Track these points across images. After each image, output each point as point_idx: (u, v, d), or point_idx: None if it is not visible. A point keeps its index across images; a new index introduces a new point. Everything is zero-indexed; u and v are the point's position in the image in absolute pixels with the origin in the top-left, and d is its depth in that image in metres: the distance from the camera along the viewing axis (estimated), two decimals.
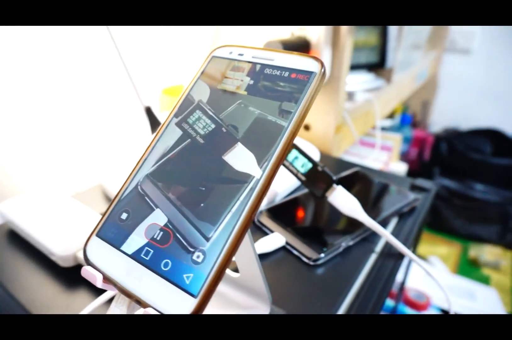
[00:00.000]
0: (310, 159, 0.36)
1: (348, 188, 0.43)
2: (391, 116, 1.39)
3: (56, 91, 0.44)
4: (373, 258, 0.34)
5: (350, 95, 0.66)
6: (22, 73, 0.41)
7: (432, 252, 1.14)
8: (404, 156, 1.26)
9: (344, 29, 0.46)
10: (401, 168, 0.88)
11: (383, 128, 1.13)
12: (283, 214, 0.38)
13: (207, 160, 0.20)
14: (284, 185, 0.42)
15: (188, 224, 0.18)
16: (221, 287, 0.27)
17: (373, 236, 0.37)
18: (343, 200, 0.35)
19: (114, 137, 0.53)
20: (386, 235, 0.34)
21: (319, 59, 0.20)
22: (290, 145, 0.19)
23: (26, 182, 0.44)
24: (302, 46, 0.47)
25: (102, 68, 0.48)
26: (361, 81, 0.72)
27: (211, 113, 0.21)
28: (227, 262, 0.17)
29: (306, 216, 0.39)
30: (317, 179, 0.36)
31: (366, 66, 0.75)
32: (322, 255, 0.32)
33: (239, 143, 0.20)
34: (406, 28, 0.84)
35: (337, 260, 0.33)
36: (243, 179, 0.18)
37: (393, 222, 0.40)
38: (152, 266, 0.18)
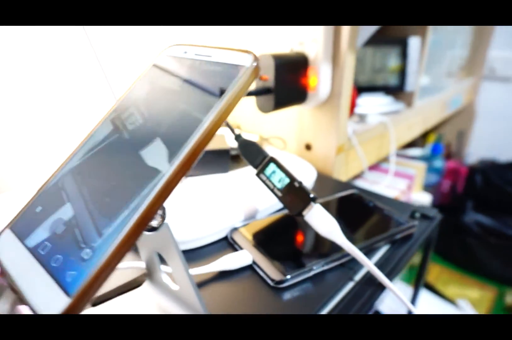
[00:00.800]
0: (287, 174, 0.35)
1: (338, 209, 0.41)
2: (422, 145, 1.34)
3: (41, 91, 0.46)
4: (349, 286, 0.32)
5: (362, 117, 0.65)
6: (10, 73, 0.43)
7: (462, 295, 1.05)
8: (434, 189, 1.20)
9: (344, 45, 0.46)
10: (423, 198, 0.84)
11: (413, 157, 1.09)
12: (259, 232, 0.37)
13: (126, 156, 0.19)
14: (268, 202, 0.40)
15: (90, 219, 0.17)
16: (163, 299, 0.26)
17: (353, 263, 0.34)
18: (320, 220, 0.33)
19: None
20: (364, 261, 0.32)
21: (252, 53, 0.20)
22: (207, 141, 0.18)
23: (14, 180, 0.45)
24: (300, 62, 0.46)
25: (89, 68, 0.50)
26: (377, 103, 0.71)
27: (142, 109, 0.21)
28: (111, 261, 0.16)
29: (283, 236, 0.37)
30: (294, 195, 0.34)
31: (383, 89, 0.74)
32: (288, 277, 0.30)
33: (157, 138, 0.19)
34: (431, 52, 0.82)
35: (307, 285, 0.31)
36: (152, 174, 0.18)
37: (384, 249, 0.37)
38: (44, 261, 0.17)
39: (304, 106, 0.51)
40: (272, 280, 0.30)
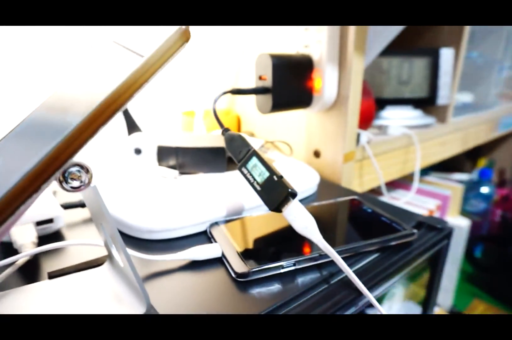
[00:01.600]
0: (268, 167, 0.34)
1: (333, 212, 0.39)
2: (471, 171, 1.26)
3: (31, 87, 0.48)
4: (320, 288, 0.30)
5: (382, 128, 0.63)
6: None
7: None
8: (483, 217, 1.11)
9: (351, 47, 0.45)
10: (459, 223, 0.77)
11: (460, 181, 1.03)
12: (238, 228, 0.36)
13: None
14: (255, 201, 0.39)
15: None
16: (116, 280, 0.26)
17: (333, 265, 0.32)
18: (297, 216, 0.32)
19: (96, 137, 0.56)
20: (339, 261, 0.30)
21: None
22: (121, 101, 0.19)
23: None
24: (303, 63, 0.46)
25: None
26: (402, 116, 0.68)
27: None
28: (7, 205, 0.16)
29: (262, 233, 0.36)
30: (273, 189, 0.33)
31: (411, 102, 0.71)
32: (252, 270, 0.29)
33: (78, 94, 0.20)
34: (474, 69, 0.79)
35: (274, 282, 0.29)
36: (63, 127, 0.18)
37: (375, 255, 0.34)
38: None
39: (310, 110, 0.50)
40: (235, 272, 0.29)
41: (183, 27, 0.19)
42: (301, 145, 0.56)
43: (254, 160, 0.35)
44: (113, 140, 0.55)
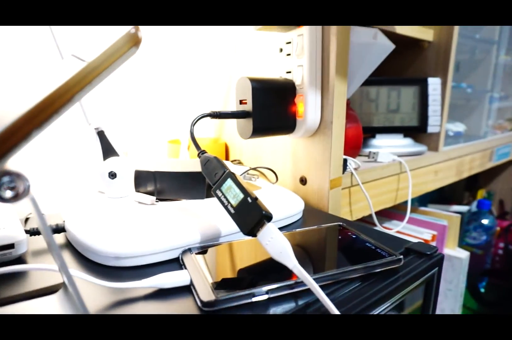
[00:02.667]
0: (242, 189, 0.32)
1: (316, 238, 0.37)
2: (468, 203, 1.24)
3: None
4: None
5: (372, 155, 0.62)
6: None
7: None
8: (485, 249, 1.08)
9: (332, 71, 0.45)
10: (458, 255, 0.74)
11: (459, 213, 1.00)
12: (211, 254, 0.34)
13: None
14: (234, 227, 0.37)
15: None
16: (62, 304, 0.23)
17: (311, 294, 0.30)
18: (271, 240, 0.30)
19: (65, 162, 0.55)
20: (316, 290, 0.27)
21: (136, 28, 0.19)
22: (63, 100, 0.18)
23: None
24: (285, 88, 0.46)
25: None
26: (393, 144, 0.68)
27: None
28: None
29: (236, 260, 0.33)
30: (247, 212, 0.31)
31: (401, 130, 0.71)
32: (219, 299, 0.27)
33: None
34: (464, 100, 0.79)
35: (244, 311, 0.27)
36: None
37: (358, 283, 0.32)
38: None
39: (295, 136, 0.49)
40: (201, 301, 0.27)
41: (132, 30, 0.19)
42: (287, 172, 0.55)
43: (229, 182, 0.34)
44: (88, 164, 0.54)
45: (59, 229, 0.38)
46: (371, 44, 0.52)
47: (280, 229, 0.42)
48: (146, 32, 0.67)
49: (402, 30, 0.63)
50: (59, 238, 0.39)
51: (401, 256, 0.34)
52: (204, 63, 0.74)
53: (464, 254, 0.75)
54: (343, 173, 0.51)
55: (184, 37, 0.72)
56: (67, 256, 0.35)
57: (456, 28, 0.70)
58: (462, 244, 1.07)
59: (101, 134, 0.40)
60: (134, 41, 0.19)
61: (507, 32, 1.00)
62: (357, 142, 0.59)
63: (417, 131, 0.71)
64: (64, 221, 0.39)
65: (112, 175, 0.40)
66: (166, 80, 0.70)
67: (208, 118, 0.42)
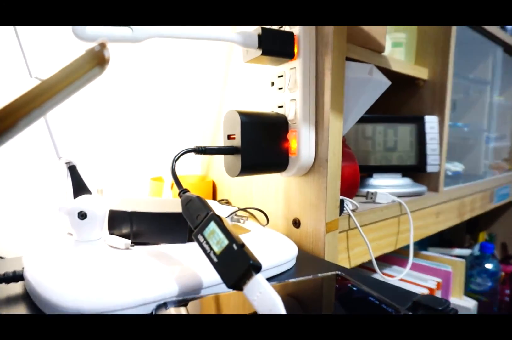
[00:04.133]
0: (227, 234, 0.29)
1: (310, 291, 0.34)
2: (470, 246, 1.21)
3: None
4: None
5: (370, 195, 0.59)
6: None
7: None
8: (491, 296, 1.02)
9: (327, 105, 0.44)
10: (466, 304, 0.70)
11: (460, 257, 0.96)
12: (192, 310, 0.29)
13: None
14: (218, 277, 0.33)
15: None
16: None
17: None
18: (259, 295, 0.26)
19: (31, 200, 0.52)
20: None
21: (103, 42, 0.17)
22: (18, 115, 0.15)
23: None
24: (277, 123, 0.44)
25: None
26: (391, 184, 0.66)
27: None
28: None
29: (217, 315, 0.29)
30: (232, 261, 0.28)
31: (399, 170, 0.69)
32: None
33: None
34: (462, 139, 0.78)
35: None
36: None
37: None
38: None
39: (287, 174, 0.47)
40: None
41: (96, 48, 0.16)
42: (279, 213, 0.52)
43: (212, 225, 0.30)
44: (56, 202, 0.51)
45: (16, 277, 0.34)
46: (367, 79, 0.51)
47: (271, 278, 0.38)
48: (131, 60, 0.66)
49: (397, 67, 0.63)
50: (17, 288, 0.35)
51: (410, 313, 0.30)
52: (192, 95, 0.72)
53: (472, 303, 0.71)
54: (340, 214, 0.48)
55: (171, 65, 0.71)
56: (22, 310, 0.31)
57: (451, 67, 0.70)
58: (466, 291, 1.02)
59: (72, 169, 0.37)
60: (98, 60, 0.16)
61: (499, 73, 1.02)
62: (354, 181, 0.57)
63: (416, 170, 0.69)
64: (23, 268, 0.34)
65: (82, 215, 0.36)
66: (150, 112, 0.69)
67: (193, 154, 0.40)
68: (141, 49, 0.66)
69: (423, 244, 1.06)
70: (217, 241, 0.29)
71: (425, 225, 0.68)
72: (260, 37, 0.40)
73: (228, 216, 0.49)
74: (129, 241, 0.38)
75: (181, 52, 0.72)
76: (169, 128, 0.71)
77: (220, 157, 0.62)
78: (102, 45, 0.17)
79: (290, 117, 0.44)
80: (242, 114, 0.41)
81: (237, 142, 0.41)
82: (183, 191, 0.34)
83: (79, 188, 0.37)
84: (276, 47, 0.42)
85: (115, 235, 0.40)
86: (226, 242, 0.29)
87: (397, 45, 0.70)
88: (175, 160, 0.36)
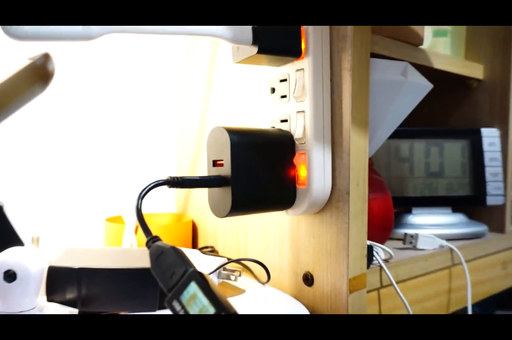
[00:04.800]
0: (213, 299, 0.30)
1: None
2: None
3: None
4: None
5: (409, 239, 0.60)
6: None
7: None
8: None
9: (347, 117, 0.45)
10: None
11: None
12: None
13: None
14: None
15: None
16: None
17: None
18: None
19: None
20: None
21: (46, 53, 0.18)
22: None
23: None
24: (282, 143, 0.46)
25: None
26: (437, 222, 0.67)
27: None
28: None
29: None
30: None
31: (448, 202, 0.70)
32: None
33: None
34: None
35: None
36: None
37: None
38: None
39: (295, 212, 0.47)
40: None
41: (38, 61, 0.18)
42: (284, 266, 0.52)
43: (193, 288, 0.31)
44: None
45: None
46: (400, 82, 0.52)
47: None
48: (77, 65, 0.68)
49: (441, 64, 0.64)
50: None
51: None
52: (163, 108, 0.74)
53: None
54: (368, 267, 0.49)
55: (133, 68, 0.73)
56: None
57: None
58: None
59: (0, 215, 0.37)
60: (40, 75, 0.17)
61: None
62: (386, 220, 0.57)
63: (471, 203, 0.70)
64: None
65: (10, 276, 0.36)
66: (106, 128, 0.70)
67: (166, 187, 0.41)
68: (91, 50, 0.68)
69: (488, 306, 1.06)
70: (200, 309, 0.30)
71: (488, 280, 0.68)
72: (255, 30, 0.42)
73: (215, 270, 0.49)
74: (76, 310, 0.39)
75: (146, 53, 0.74)
76: (132, 151, 0.72)
77: (203, 191, 0.62)
78: (45, 57, 0.18)
79: (297, 135, 0.45)
80: (232, 132, 0.41)
81: (225, 170, 0.42)
82: (152, 239, 0.35)
83: (7, 236, 0.37)
84: (277, 43, 0.43)
85: (56, 302, 0.40)
86: (212, 310, 0.29)
87: (440, 34, 0.72)
88: (141, 197, 0.37)
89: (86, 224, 0.66)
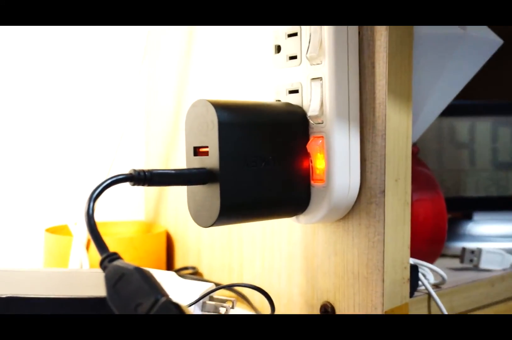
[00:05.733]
0: None
1: None
2: None
3: None
4: None
5: (468, 257, 0.60)
6: None
7: None
8: None
9: (381, 89, 0.45)
10: None
11: None
12: None
13: None
14: None
15: None
16: None
17: None
18: None
19: None
20: None
21: None
22: None
23: None
24: (291, 123, 0.46)
25: None
26: (506, 231, 0.67)
27: None
28: None
29: None
30: None
31: None
32: None
33: None
34: None
35: None
36: None
37: None
38: None
39: (308, 219, 0.47)
40: None
41: None
42: (295, 295, 0.52)
43: None
44: None
45: None
46: (458, 37, 0.52)
47: None
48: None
49: None
50: None
51: None
52: (123, 76, 0.74)
53: None
54: (411, 295, 0.49)
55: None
56: None
57: None
58: None
59: None
60: None
61: None
62: (436, 230, 0.58)
63: None
64: None
65: None
66: (49, 116, 0.70)
67: (128, 184, 0.41)
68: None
69: None
70: None
71: None
72: None
73: (198, 300, 0.49)
74: None
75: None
76: (82, 136, 0.72)
77: (181, 190, 0.62)
78: None
79: (312, 112, 0.45)
80: (220, 107, 0.41)
81: (211, 160, 0.42)
82: (109, 257, 0.35)
83: None
84: None
85: None
86: None
87: None
88: (93, 198, 0.36)
89: (18, 236, 0.66)
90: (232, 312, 0.50)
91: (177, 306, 0.32)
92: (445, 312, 0.51)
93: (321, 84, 0.45)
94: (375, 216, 0.46)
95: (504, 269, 0.61)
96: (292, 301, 0.53)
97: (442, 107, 0.56)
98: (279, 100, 0.49)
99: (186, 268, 0.63)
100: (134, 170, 0.40)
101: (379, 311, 0.46)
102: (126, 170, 0.40)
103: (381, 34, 0.45)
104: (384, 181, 0.46)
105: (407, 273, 0.48)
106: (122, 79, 0.74)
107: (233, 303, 0.50)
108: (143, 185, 0.41)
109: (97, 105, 0.75)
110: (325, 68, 0.45)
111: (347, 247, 0.48)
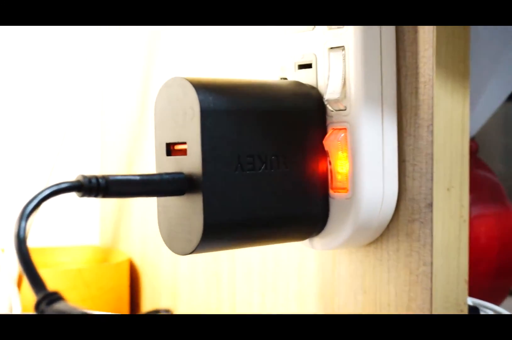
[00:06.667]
0: None
1: None
2: None
3: None
4: None
5: None
6: None
7: None
8: None
9: (426, 63, 0.45)
10: None
11: None
12: None
13: None
14: None
15: None
16: None
17: None
18: None
19: None
20: None
21: None
22: None
23: None
24: (302, 110, 0.46)
25: None
26: None
27: None
28: None
29: None
30: None
31: None
32: None
33: None
34: None
35: None
36: None
37: None
38: None
39: (325, 244, 0.47)
40: None
41: None
42: None
43: None
44: None
45: None
46: None
47: None
48: None
49: None
50: None
51: None
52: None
53: None
54: None
55: None
56: None
57: None
58: None
59: None
60: None
61: None
62: (504, 257, 0.57)
63: None
64: None
65: None
66: None
67: (76, 196, 0.40)
68: None
69: None
70: None
71: None
72: None
73: None
74: None
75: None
76: (16, 138, 0.73)
77: (149, 204, 0.62)
78: None
79: (330, 94, 0.45)
80: (203, 88, 0.41)
81: (191, 162, 0.42)
82: (47, 298, 0.35)
83: None
84: None
85: None
86: None
87: None
88: (25, 215, 0.36)
89: None
90: None
91: None
92: None
93: (343, 56, 0.45)
94: (419, 238, 0.46)
95: None
96: None
97: (510, 89, 0.56)
98: (285, 78, 0.49)
99: (157, 312, 0.63)
100: (83, 176, 0.40)
101: None
102: (73, 177, 0.40)
103: None
104: (432, 190, 0.45)
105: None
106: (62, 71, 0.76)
107: None
108: (95, 196, 0.41)
109: (34, 101, 0.76)
110: (349, 33, 0.45)
111: (380, 283, 0.48)
